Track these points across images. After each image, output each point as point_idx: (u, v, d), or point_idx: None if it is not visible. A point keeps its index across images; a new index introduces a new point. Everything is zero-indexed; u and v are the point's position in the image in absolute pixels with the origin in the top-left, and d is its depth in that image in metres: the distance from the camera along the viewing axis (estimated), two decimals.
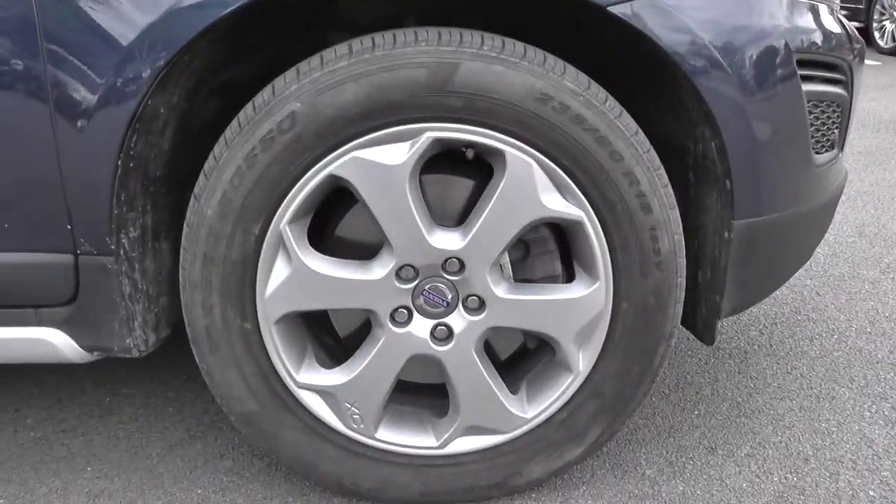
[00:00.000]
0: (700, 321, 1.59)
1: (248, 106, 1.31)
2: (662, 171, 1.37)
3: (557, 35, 1.59)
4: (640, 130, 1.35)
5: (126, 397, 1.95)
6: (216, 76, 1.51)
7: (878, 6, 8.39)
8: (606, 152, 1.30)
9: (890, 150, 4.42)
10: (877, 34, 8.45)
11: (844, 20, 1.66)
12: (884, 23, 8.36)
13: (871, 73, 7.50)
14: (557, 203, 1.33)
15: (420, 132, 1.28)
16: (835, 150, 1.66)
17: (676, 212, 1.39)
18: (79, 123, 1.26)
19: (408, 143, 1.29)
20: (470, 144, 1.31)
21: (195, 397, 1.94)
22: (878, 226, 3.16)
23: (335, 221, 1.45)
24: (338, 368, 1.44)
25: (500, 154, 1.30)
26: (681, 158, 1.53)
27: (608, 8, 1.27)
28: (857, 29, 8.88)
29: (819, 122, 1.54)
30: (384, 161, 1.29)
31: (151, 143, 1.37)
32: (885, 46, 8.29)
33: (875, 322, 2.32)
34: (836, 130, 1.63)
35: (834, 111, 1.58)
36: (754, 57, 1.34)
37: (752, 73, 1.34)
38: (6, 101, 1.26)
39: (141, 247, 1.44)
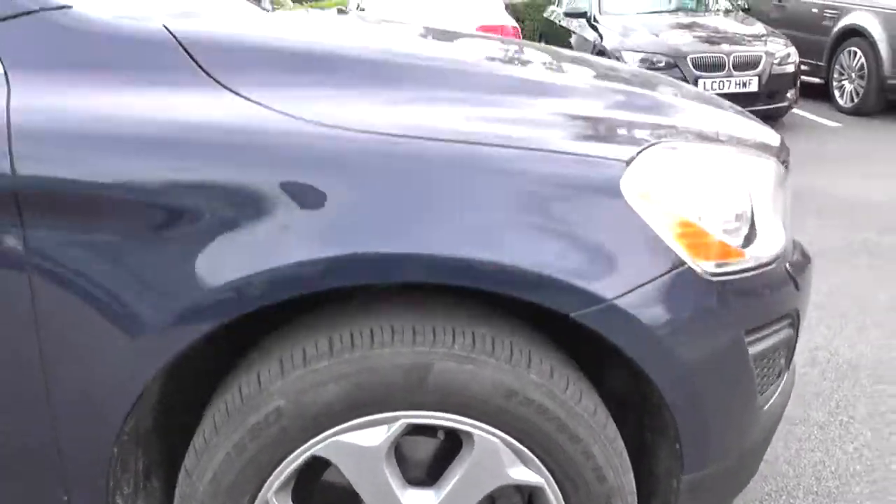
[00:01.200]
0: None
1: (235, 393, 1.42)
2: (618, 440, 1.50)
3: None
4: (598, 407, 1.47)
5: None
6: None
7: (837, 66, 8.64)
8: (566, 436, 1.43)
9: (851, 247, 4.33)
10: (837, 93, 8.70)
11: (798, 262, 1.76)
12: (843, 82, 8.61)
13: (830, 136, 7.65)
14: (521, 473, 1.46)
15: (396, 419, 1.41)
16: (781, 377, 1.79)
17: (630, 475, 1.52)
18: (76, 429, 1.39)
19: (384, 427, 1.41)
20: (441, 427, 1.44)
21: None
22: (830, 350, 3.29)
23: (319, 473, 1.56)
24: None
25: (469, 434, 1.43)
26: (638, 402, 1.65)
27: (571, 315, 1.39)
28: (818, 85, 9.12)
29: (766, 370, 1.66)
30: (362, 444, 1.41)
31: (142, 417, 1.48)
32: (846, 106, 8.53)
33: (821, 479, 2.46)
34: (782, 361, 1.76)
35: (781, 353, 1.71)
36: (703, 344, 1.48)
37: (699, 354, 1.47)
38: (9, 420, 1.37)
39: (134, 494, 1.54)
